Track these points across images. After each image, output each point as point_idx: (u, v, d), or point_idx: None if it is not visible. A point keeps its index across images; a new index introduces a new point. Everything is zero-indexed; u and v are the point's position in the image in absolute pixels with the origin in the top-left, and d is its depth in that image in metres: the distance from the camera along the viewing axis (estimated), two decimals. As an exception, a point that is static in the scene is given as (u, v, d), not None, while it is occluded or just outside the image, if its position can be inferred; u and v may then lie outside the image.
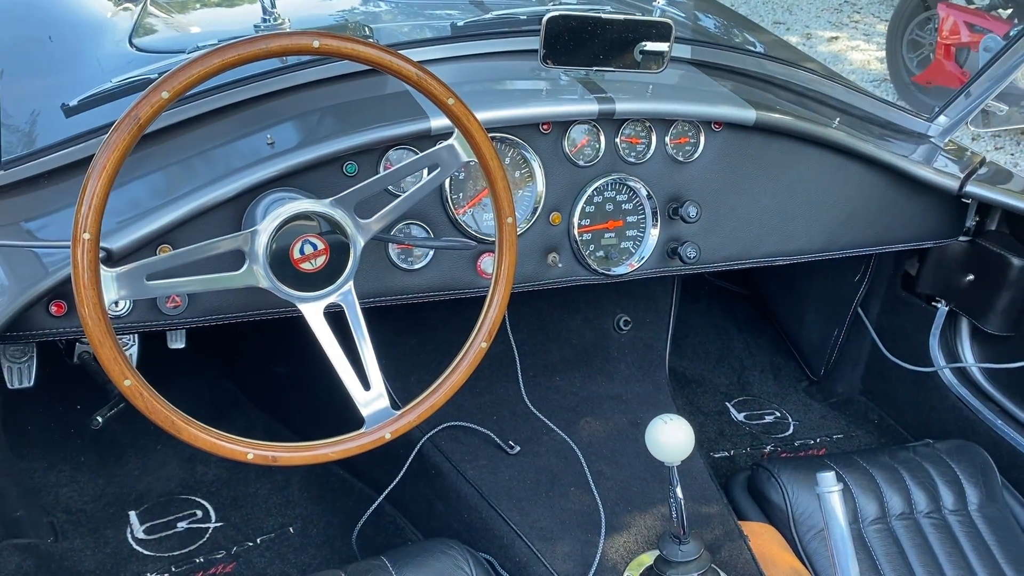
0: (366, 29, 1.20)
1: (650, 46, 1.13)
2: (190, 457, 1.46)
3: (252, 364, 1.61)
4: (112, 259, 0.87)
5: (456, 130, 0.89)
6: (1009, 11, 3.69)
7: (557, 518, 1.17)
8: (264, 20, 1.21)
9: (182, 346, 1.20)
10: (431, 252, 1.09)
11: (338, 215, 0.88)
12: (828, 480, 1.03)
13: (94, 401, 1.47)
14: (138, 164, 0.90)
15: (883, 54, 4.39)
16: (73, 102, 1.00)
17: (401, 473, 1.25)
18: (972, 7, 3.88)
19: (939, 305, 1.55)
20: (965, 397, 1.53)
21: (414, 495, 1.30)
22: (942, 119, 1.45)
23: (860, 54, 4.94)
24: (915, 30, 4.09)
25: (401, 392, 0.94)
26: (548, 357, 1.43)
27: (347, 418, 0.94)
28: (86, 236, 0.75)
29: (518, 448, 1.28)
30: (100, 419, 1.27)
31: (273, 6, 1.21)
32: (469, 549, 1.04)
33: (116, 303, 0.88)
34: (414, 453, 1.25)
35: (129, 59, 1.21)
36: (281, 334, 1.44)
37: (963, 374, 1.55)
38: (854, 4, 5.84)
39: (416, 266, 1.08)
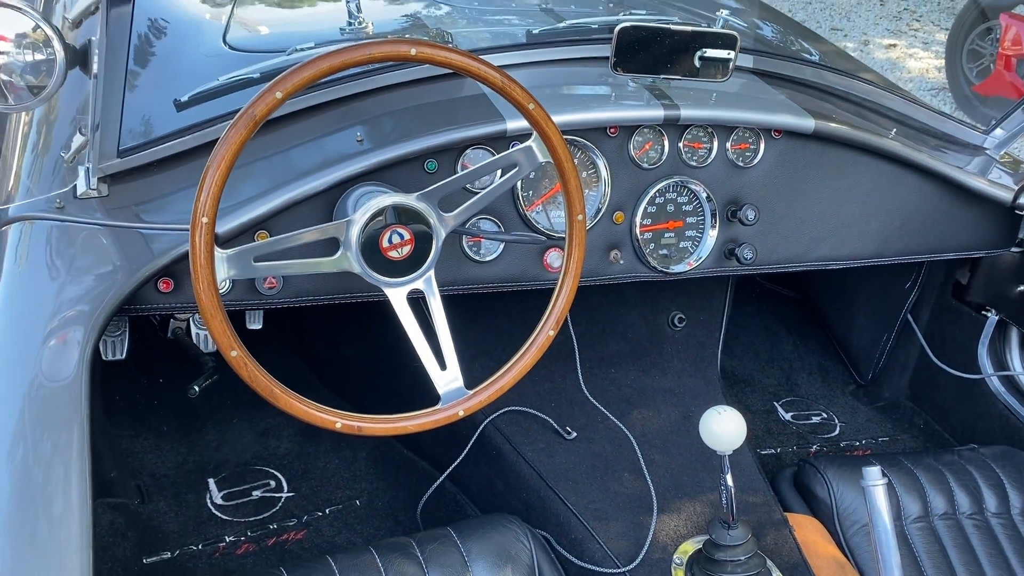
0: (447, 35, 1.28)
1: (714, 55, 1.19)
2: (264, 431, 1.55)
3: (322, 346, 1.70)
4: (218, 242, 0.96)
5: (534, 132, 0.96)
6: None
7: (611, 501, 1.24)
8: (349, 24, 1.30)
9: (259, 327, 1.29)
10: (501, 246, 1.16)
11: (423, 208, 0.95)
12: (874, 474, 1.08)
13: (178, 375, 1.57)
14: (240, 156, 0.99)
15: (942, 63, 4.36)
16: (184, 98, 1.10)
17: (464, 452, 1.33)
18: (1038, 18, 3.85)
19: (989, 314, 1.58)
20: (1012, 405, 1.56)
21: (475, 474, 1.38)
22: (999, 132, 1.48)
23: (918, 62, 4.90)
24: (976, 40, 4.06)
25: (467, 375, 1.01)
26: (605, 350, 1.50)
27: (415, 398, 1.02)
28: (204, 220, 0.83)
29: (575, 434, 1.35)
30: (197, 388, 1.37)
31: (359, 11, 1.30)
32: (528, 525, 1.11)
33: (224, 282, 0.96)
34: (477, 434, 1.32)
35: (227, 58, 1.30)
36: (352, 318, 1.53)
37: (1011, 382, 1.57)
38: (913, 12, 5.78)
39: (487, 258, 1.15)
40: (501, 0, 1.59)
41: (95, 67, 0.89)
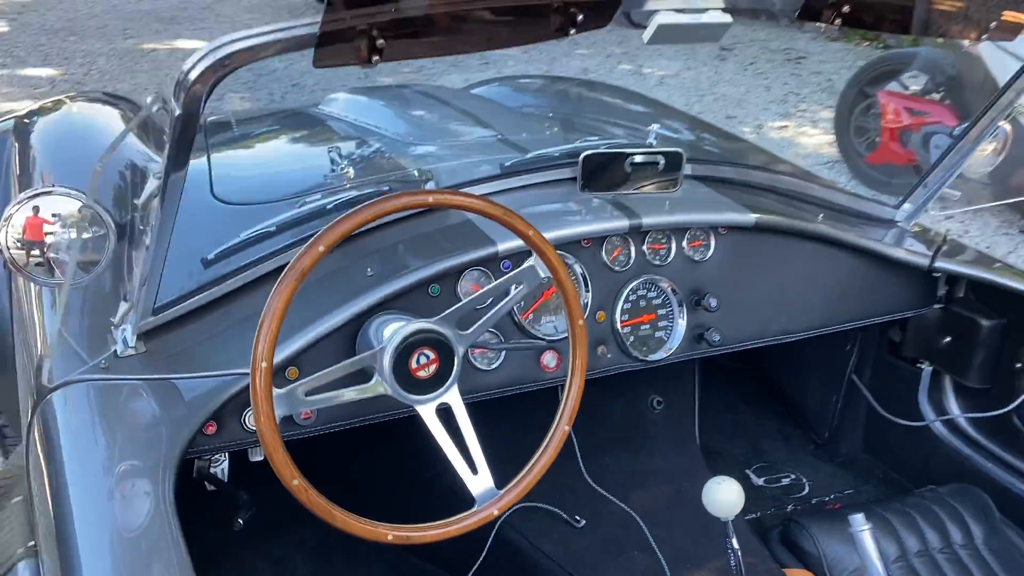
0: (429, 175, 1.42)
1: (665, 171, 1.37)
2: (278, 559, 1.60)
3: (341, 467, 1.76)
4: None
5: (534, 254, 1.11)
6: (941, 95, 4.09)
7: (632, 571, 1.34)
8: (332, 171, 1.44)
9: (261, 459, 1.37)
10: (503, 353, 1.28)
11: (445, 330, 1.08)
12: (859, 521, 1.22)
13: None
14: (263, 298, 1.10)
15: (831, 137, 4.77)
16: (210, 255, 1.20)
17: (483, 554, 1.41)
18: (908, 93, 4.29)
19: (923, 366, 1.78)
20: (957, 446, 1.74)
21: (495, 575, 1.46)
22: (907, 206, 1.70)
23: (810, 139, 5.32)
24: (859, 116, 4.48)
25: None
26: (596, 438, 1.62)
27: (443, 503, 1.11)
28: (263, 364, 0.94)
29: (583, 521, 1.45)
30: (241, 521, 1.40)
31: (340, 158, 1.44)
32: None
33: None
34: (493, 533, 1.41)
35: (221, 211, 1.41)
36: (364, 441, 1.61)
37: (952, 425, 1.76)
38: (797, 94, 6.30)
39: (492, 367, 1.28)
40: (458, 136, 1.77)
41: (147, 239, 1.00)
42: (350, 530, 1.00)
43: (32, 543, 1.51)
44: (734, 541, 1.21)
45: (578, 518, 1.46)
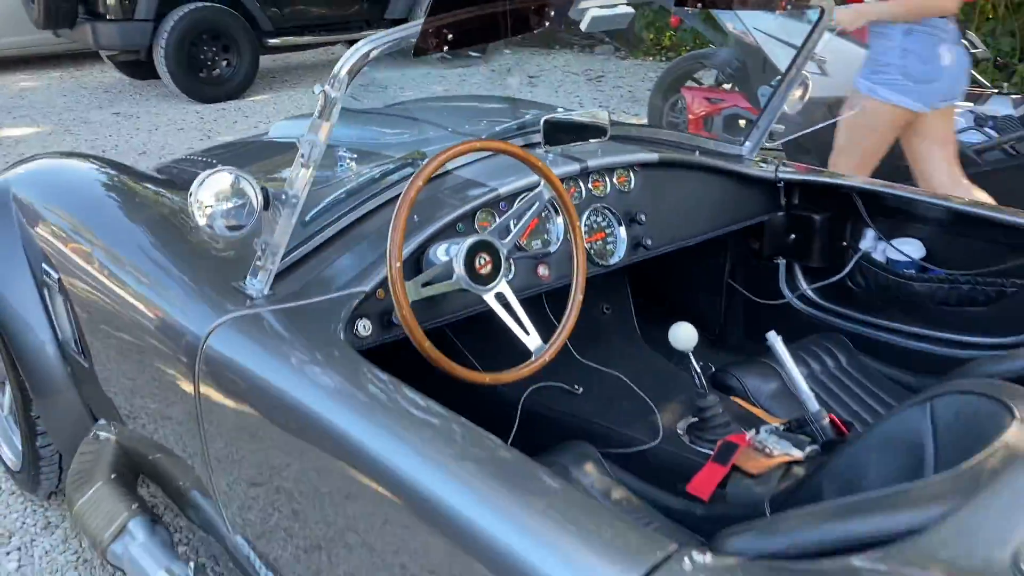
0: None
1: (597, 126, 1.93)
2: None
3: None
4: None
5: (543, 181, 1.60)
6: (732, 83, 4.95)
7: (625, 416, 1.85)
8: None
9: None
10: (514, 268, 1.77)
11: (493, 239, 1.55)
12: (772, 335, 1.80)
13: None
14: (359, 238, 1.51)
15: (649, 135, 5.56)
16: (307, 217, 1.61)
17: (517, 419, 1.87)
18: (706, 86, 5.15)
19: (779, 261, 2.42)
20: (812, 312, 2.38)
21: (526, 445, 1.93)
22: (748, 143, 2.34)
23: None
24: (669, 112, 5.30)
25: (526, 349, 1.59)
26: (572, 338, 2.14)
27: (512, 363, 1.57)
28: (397, 264, 1.38)
29: (581, 389, 1.95)
30: None
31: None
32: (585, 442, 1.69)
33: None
34: (520, 404, 1.88)
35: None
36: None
37: (805, 298, 2.40)
38: (607, 106, 7.13)
39: (509, 278, 1.76)
40: (441, 127, 2.26)
41: (291, 210, 1.41)
42: (460, 375, 1.45)
43: (136, 504, 1.82)
44: (695, 363, 1.75)
45: (576, 386, 1.96)
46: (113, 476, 1.90)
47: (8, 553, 2.21)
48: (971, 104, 4.53)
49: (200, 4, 7.12)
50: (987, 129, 4.14)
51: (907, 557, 0.82)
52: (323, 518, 1.27)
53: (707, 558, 0.88)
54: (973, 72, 4.76)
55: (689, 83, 5.35)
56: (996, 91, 4.74)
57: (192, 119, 6.71)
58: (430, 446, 1.12)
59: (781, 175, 2.23)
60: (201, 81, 7.27)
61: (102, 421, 2.03)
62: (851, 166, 3.16)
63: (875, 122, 3.12)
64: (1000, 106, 4.33)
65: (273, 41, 7.59)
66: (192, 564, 1.65)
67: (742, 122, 5.12)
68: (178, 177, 2.22)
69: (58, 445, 2.16)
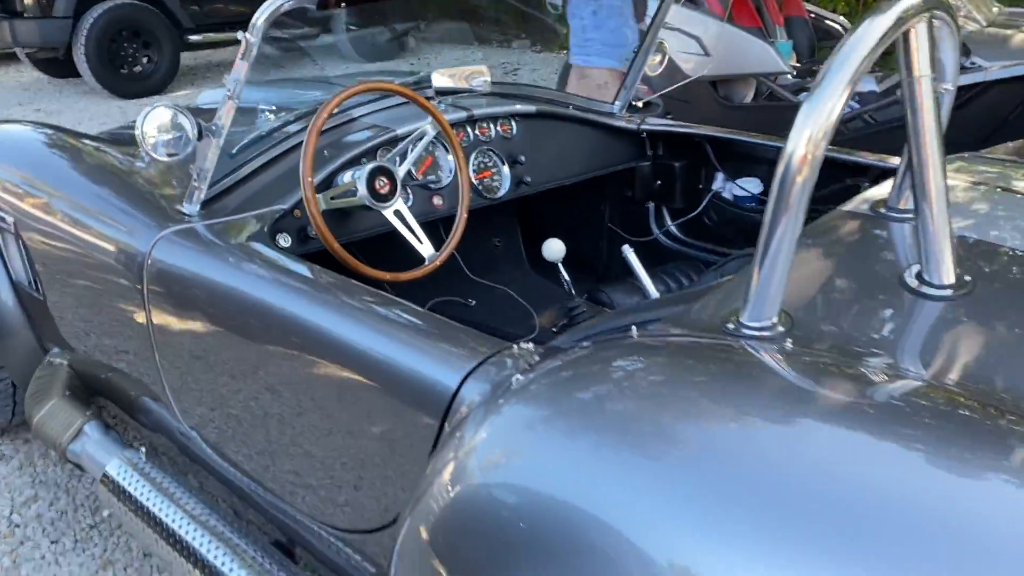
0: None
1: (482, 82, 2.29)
2: None
3: None
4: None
5: (431, 118, 1.96)
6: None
7: (508, 316, 2.22)
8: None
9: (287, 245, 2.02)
10: (412, 196, 2.11)
11: (389, 165, 1.90)
12: (627, 248, 2.18)
13: None
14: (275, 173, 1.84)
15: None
16: (233, 151, 1.92)
17: None
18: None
19: (648, 205, 2.82)
20: (676, 246, 2.79)
21: None
22: (618, 102, 2.74)
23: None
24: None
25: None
26: (467, 265, 2.50)
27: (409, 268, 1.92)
28: (309, 179, 1.71)
29: (474, 302, 2.31)
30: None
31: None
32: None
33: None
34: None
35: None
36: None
37: (670, 234, 2.81)
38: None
39: (408, 204, 2.10)
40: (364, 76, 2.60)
41: (217, 138, 1.73)
42: (365, 273, 1.79)
43: (90, 412, 2.10)
44: (564, 274, 2.12)
45: (470, 300, 2.31)
46: (67, 393, 2.18)
47: (-31, 479, 2.46)
48: (839, 82, 5.05)
49: (119, 1, 7.28)
50: (852, 103, 4.67)
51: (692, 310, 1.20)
52: (256, 395, 1.60)
53: (530, 346, 1.24)
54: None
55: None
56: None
57: (115, 114, 6.87)
58: (338, 306, 1.46)
59: (644, 127, 2.63)
60: (122, 77, 7.43)
61: (55, 350, 2.31)
62: None
63: (600, 81, 3.84)
64: (866, 83, 4.87)
65: (194, 38, 7.78)
66: (143, 449, 1.94)
67: (639, 103, 5.56)
68: (115, 135, 2.50)
69: (13, 376, 2.42)
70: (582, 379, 1.09)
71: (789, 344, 1.08)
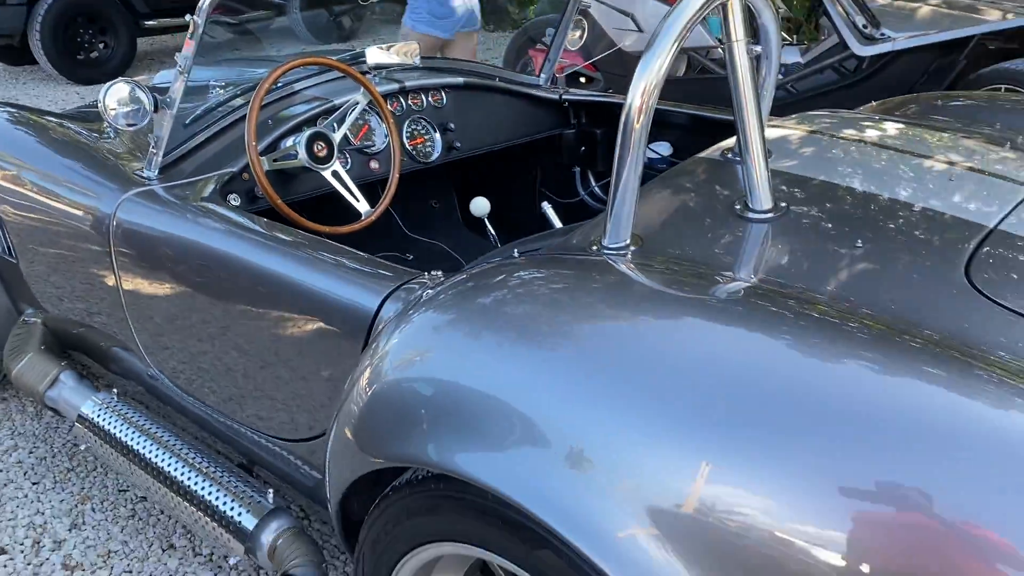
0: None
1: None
2: None
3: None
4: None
5: (362, 88, 2.20)
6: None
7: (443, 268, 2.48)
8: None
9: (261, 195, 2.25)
10: (350, 160, 2.36)
11: (327, 131, 2.14)
12: (545, 204, 2.45)
13: None
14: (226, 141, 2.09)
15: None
16: (187, 121, 2.16)
17: None
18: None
19: (575, 169, 3.09)
20: (599, 206, 3.06)
21: None
22: (543, 75, 3.00)
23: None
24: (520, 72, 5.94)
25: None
26: (406, 224, 2.75)
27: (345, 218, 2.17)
28: (253, 143, 1.95)
29: (412, 256, 2.57)
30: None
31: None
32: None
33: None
34: None
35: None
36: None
37: (593, 195, 3.08)
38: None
39: (348, 168, 2.35)
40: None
41: (171, 109, 1.96)
42: (305, 226, 2.03)
43: (65, 362, 2.34)
44: (491, 229, 2.39)
45: (408, 255, 2.57)
46: (42, 347, 2.41)
47: (-48, 431, 2.68)
48: (767, 54, 5.34)
49: (76, -14, 7.38)
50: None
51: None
52: (213, 333, 1.84)
53: (439, 273, 1.51)
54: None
55: (539, 46, 6.02)
56: (787, 43, 5.60)
57: (74, 99, 6.99)
58: (277, 248, 1.71)
59: (565, 97, 2.90)
60: (79, 64, 7.54)
61: (29, 311, 2.53)
62: None
63: (423, 48, 4.27)
64: (791, 55, 5.17)
65: (149, 23, 7.89)
66: (115, 390, 2.19)
67: (583, 79, 5.83)
68: (74, 114, 2.72)
69: (-9, 335, 2.65)
70: (480, 289, 1.34)
71: (640, 258, 1.35)
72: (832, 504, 0.94)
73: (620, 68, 5.23)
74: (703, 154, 1.75)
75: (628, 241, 1.38)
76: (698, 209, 1.54)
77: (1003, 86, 3.95)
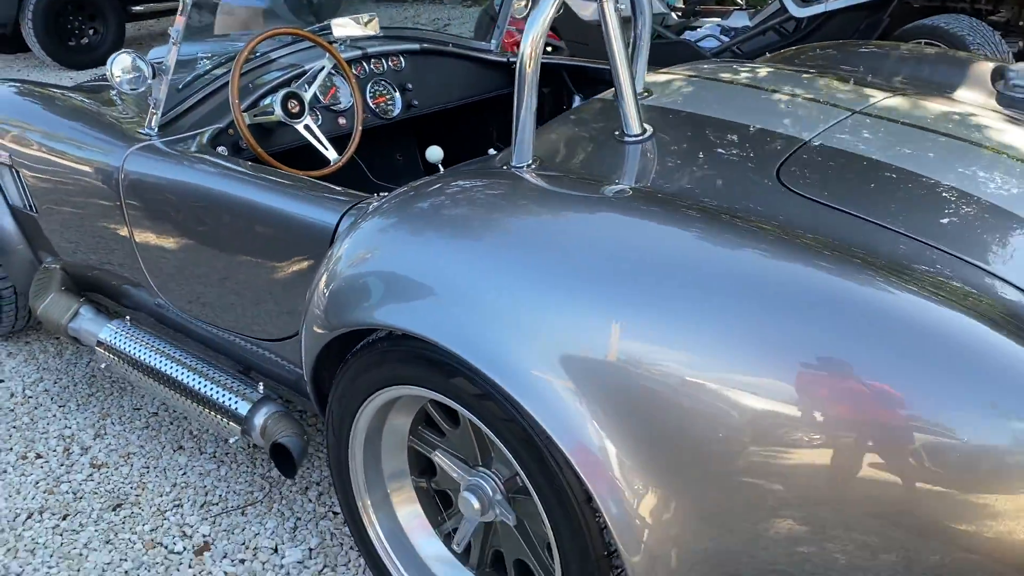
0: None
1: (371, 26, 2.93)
2: None
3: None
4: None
5: (327, 54, 2.60)
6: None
7: None
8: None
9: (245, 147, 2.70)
10: (320, 116, 2.76)
11: (298, 90, 2.54)
12: (491, 151, 2.84)
13: None
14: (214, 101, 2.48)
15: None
16: (180, 85, 2.55)
17: None
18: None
19: None
20: None
21: None
22: (493, 41, 3.38)
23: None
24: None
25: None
26: (373, 172, 3.15)
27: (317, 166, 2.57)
28: (236, 101, 2.35)
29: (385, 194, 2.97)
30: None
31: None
32: None
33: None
34: None
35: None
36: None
37: None
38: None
39: (318, 123, 2.74)
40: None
41: (166, 75, 2.35)
42: (282, 169, 2.43)
43: (83, 299, 2.74)
44: (440, 168, 2.78)
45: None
46: (62, 288, 2.82)
47: (-15, 367, 3.09)
48: (718, 19, 5.76)
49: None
50: (722, 37, 5.35)
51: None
52: (209, 260, 2.24)
53: (387, 193, 1.91)
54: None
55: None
56: (737, 8, 5.99)
57: (68, 83, 7.35)
58: (255, 182, 2.11)
59: (512, 59, 3.29)
60: (71, 50, 7.89)
61: (49, 258, 2.93)
62: None
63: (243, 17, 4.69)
64: (740, 20, 5.55)
65: (137, 8, 8.24)
66: (128, 318, 2.59)
67: (549, 48, 6.20)
68: (80, 87, 3.11)
69: (15, 283, 3.04)
70: (418, 198, 1.73)
71: (539, 171, 1.76)
72: (714, 349, 1.26)
73: (582, 37, 5.61)
74: (599, 95, 2.15)
75: (530, 162, 1.79)
76: (588, 136, 1.95)
77: (923, 40, 4.34)
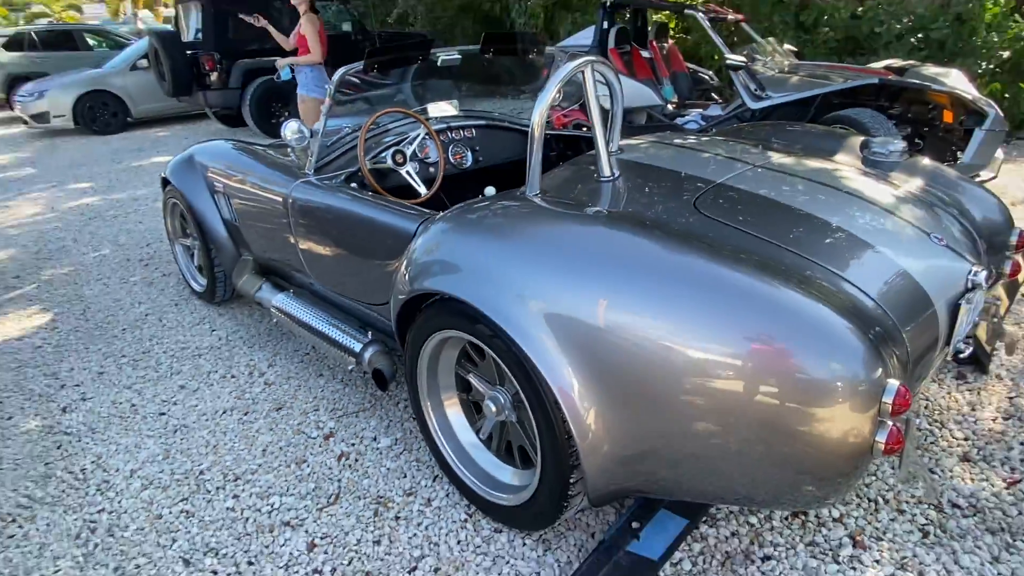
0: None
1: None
2: None
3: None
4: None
5: (423, 127, 2.78)
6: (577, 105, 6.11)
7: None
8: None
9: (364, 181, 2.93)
10: (418, 166, 2.94)
11: (403, 148, 2.72)
12: (490, 189, 2.99)
13: None
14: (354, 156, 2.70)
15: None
16: (328, 143, 2.77)
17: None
18: (564, 108, 6.31)
19: None
20: None
21: None
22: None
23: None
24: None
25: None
26: (451, 202, 3.32)
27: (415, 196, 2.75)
28: (362, 155, 2.54)
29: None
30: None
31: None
32: None
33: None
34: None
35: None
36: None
37: None
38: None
39: (416, 171, 2.92)
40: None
41: (318, 137, 2.57)
42: (389, 198, 2.62)
43: (266, 279, 2.98)
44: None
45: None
46: (253, 271, 3.07)
47: (212, 331, 3.37)
48: (700, 110, 5.77)
49: (270, 78, 8.18)
50: (702, 121, 5.37)
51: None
52: (343, 255, 2.43)
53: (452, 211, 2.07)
54: (713, 89, 6.08)
55: (556, 106, 6.49)
56: (714, 102, 5.99)
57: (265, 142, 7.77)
58: (372, 204, 2.29)
59: (547, 133, 3.42)
60: (273, 125, 8.33)
61: (246, 253, 3.19)
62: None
63: (317, 108, 4.88)
64: (715, 110, 5.56)
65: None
66: (292, 291, 2.82)
67: (584, 129, 6.30)
68: (270, 145, 3.36)
69: (226, 268, 3.32)
70: (470, 211, 1.89)
71: (544, 198, 1.90)
72: (670, 316, 1.38)
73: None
74: (588, 152, 2.27)
75: (538, 191, 1.93)
76: (579, 177, 2.08)
77: (837, 125, 4.31)
